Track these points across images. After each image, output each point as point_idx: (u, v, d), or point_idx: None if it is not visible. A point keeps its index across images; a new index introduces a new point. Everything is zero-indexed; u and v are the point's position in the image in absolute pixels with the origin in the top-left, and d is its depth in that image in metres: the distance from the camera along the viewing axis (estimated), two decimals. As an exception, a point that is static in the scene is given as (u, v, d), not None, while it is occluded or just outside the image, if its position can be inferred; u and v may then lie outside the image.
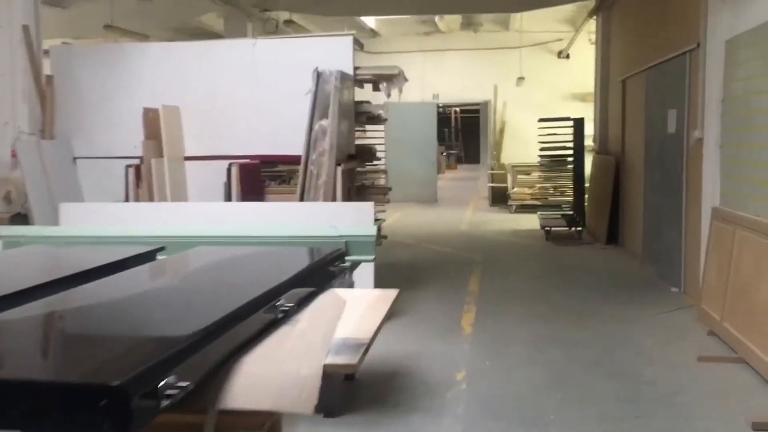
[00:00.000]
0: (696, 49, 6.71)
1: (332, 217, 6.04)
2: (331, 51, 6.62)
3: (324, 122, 6.08)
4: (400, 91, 7.06)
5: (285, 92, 6.62)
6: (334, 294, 2.67)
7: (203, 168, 6.87)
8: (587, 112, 12.42)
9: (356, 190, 6.97)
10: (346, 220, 6.01)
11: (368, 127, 16.95)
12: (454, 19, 16.85)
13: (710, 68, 6.17)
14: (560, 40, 17.18)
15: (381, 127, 16.86)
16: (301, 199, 6.14)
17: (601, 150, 11.80)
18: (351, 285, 3.82)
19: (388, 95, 7.12)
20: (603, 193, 10.82)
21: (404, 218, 14.52)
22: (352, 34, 6.64)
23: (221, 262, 3.18)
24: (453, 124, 39.72)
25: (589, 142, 12.22)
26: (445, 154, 34.64)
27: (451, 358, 5.21)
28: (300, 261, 3.23)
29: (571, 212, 12.28)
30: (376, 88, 7.20)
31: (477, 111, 21.57)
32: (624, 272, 8.40)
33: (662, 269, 7.92)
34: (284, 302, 2.27)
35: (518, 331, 5.92)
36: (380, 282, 7.24)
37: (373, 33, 17.72)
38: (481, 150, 20.26)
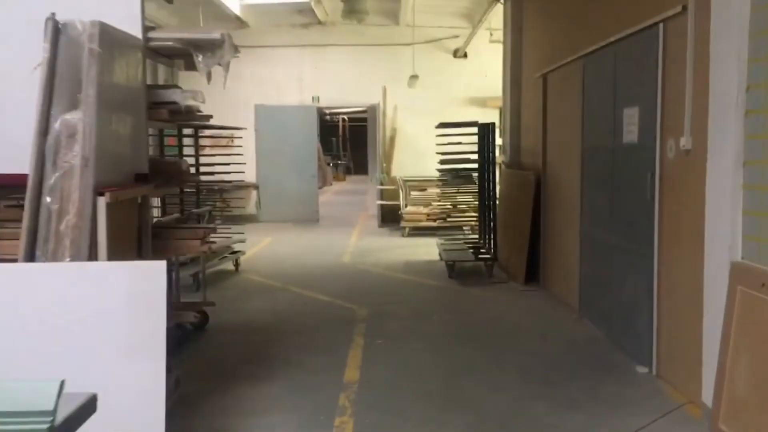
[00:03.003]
0: (680, 14, 4.46)
1: (84, 293, 3.31)
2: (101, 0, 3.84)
3: (71, 117, 3.32)
4: (227, 68, 4.36)
5: (16, 66, 3.78)
6: None
7: None
8: (488, 119, 10.17)
9: (154, 233, 4.21)
10: (113, 298, 3.30)
11: (236, 133, 14.21)
12: (335, 7, 14.34)
13: (719, 37, 3.89)
14: (456, 37, 15.10)
15: (244, 132, 14.08)
16: (30, 256, 3.34)
17: (512, 163, 9.59)
18: None
19: (208, 75, 4.38)
20: (519, 218, 8.56)
21: (275, 246, 11.78)
22: (138, -31, 3.90)
23: None
24: (341, 132, 37.49)
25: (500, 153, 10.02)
26: (331, 164, 32.18)
27: None
28: None
29: (477, 239, 10.00)
30: (190, 66, 4.44)
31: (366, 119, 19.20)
32: (561, 335, 6.08)
33: (616, 334, 5.66)
34: None
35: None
36: (195, 380, 4.25)
37: (240, 23, 14.91)
38: (369, 161, 17.83)
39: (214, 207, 10.52)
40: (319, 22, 15.05)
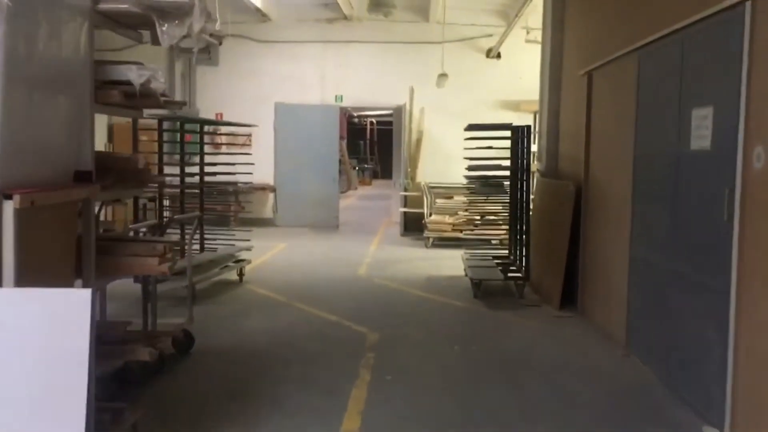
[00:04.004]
0: (779, -13, 3.50)
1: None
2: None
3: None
4: (198, 41, 3.50)
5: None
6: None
7: None
8: (522, 124, 9.20)
9: (102, 247, 3.37)
10: (17, 337, 2.47)
11: (254, 132, 13.49)
12: (361, 1, 13.49)
13: None
14: (490, 36, 14.16)
15: (263, 131, 13.38)
16: None
17: (548, 171, 8.63)
18: None
19: (173, 45, 3.51)
20: (555, 233, 7.60)
21: (287, 253, 10.95)
22: None
23: None
24: (368, 135, 36.69)
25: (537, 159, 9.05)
26: (357, 168, 31.34)
27: None
28: None
29: (507, 254, 9.05)
30: (157, 39, 3.56)
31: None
32: (605, 376, 5.11)
33: (675, 380, 4.68)
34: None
35: None
36: (159, 423, 3.73)
37: (262, 16, 14.16)
38: (393, 165, 16.95)
39: (228, 208, 9.68)
40: (345, 17, 14.22)
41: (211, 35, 10.95)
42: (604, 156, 6.63)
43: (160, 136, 8.11)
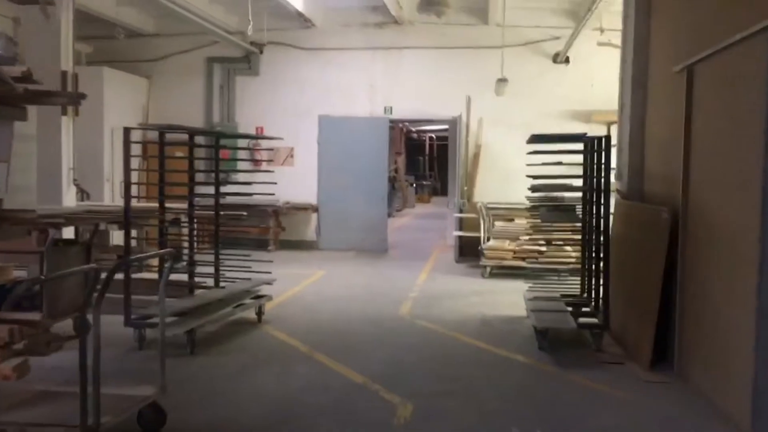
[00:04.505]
0: None
1: None
2: None
3: None
4: None
5: None
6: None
7: None
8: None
9: None
10: None
11: (295, 147, 12.41)
12: (411, 2, 12.17)
13: None
14: (557, 38, 12.61)
15: (306, 146, 12.55)
16: None
17: (630, 193, 7.04)
18: None
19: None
20: (643, 270, 6.02)
21: (323, 283, 9.63)
22: None
23: None
24: (428, 151, 35.40)
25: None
26: (413, 185, 29.96)
27: None
28: None
29: (580, 291, 7.46)
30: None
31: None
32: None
33: None
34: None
35: None
36: None
37: (305, 22, 13.02)
38: (449, 183, 15.47)
39: (266, 231, 8.44)
40: (395, 21, 12.92)
41: (251, 43, 9.73)
42: (712, 173, 5.05)
43: (191, 151, 7.08)
